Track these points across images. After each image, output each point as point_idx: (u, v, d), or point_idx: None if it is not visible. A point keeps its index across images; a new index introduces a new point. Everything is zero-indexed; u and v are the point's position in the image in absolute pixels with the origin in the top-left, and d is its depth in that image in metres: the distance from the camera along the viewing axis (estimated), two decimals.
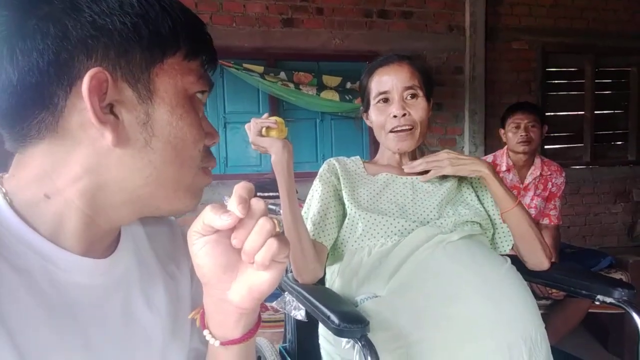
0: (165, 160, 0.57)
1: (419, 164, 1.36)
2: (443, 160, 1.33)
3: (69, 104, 0.52)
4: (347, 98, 4.07)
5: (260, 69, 4.00)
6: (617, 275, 2.45)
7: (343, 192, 1.33)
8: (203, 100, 0.63)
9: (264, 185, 2.85)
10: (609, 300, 1.20)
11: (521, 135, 2.50)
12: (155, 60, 0.55)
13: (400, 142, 1.35)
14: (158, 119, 0.56)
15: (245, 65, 3.97)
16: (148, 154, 0.56)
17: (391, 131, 1.35)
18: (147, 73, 0.55)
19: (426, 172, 1.36)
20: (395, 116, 1.33)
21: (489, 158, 2.66)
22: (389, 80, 1.34)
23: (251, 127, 1.22)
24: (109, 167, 0.55)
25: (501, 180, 1.33)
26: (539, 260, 1.33)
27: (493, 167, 1.35)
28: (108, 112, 0.53)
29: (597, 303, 1.24)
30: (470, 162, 1.33)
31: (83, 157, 0.54)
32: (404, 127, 1.33)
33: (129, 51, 0.53)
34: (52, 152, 0.54)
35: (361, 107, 1.48)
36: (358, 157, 1.50)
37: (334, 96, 4.13)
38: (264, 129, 1.21)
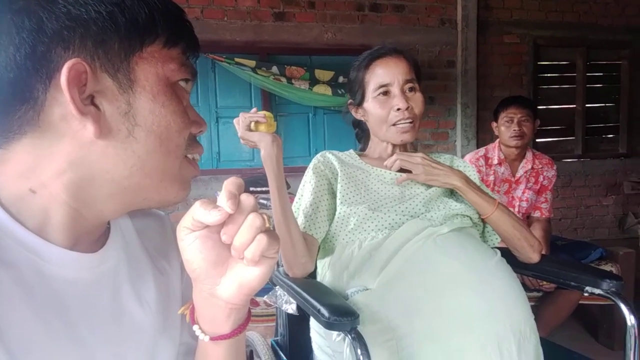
0: (149, 150, 0.57)
1: (393, 164, 1.35)
2: (417, 166, 1.32)
3: (49, 97, 0.52)
4: (340, 92, 4.07)
5: (252, 63, 3.99)
6: (608, 267, 2.47)
7: (338, 185, 1.33)
8: (187, 89, 0.62)
9: (257, 180, 2.84)
10: (597, 291, 1.21)
11: (514, 130, 2.50)
12: (134, 49, 0.55)
13: (403, 133, 1.35)
14: (140, 108, 0.56)
15: (237, 59, 3.96)
16: (131, 144, 0.56)
17: (394, 124, 1.35)
18: (126, 62, 0.55)
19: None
20: (399, 109, 1.32)
21: (481, 151, 2.67)
22: (389, 73, 1.34)
23: (240, 122, 1.22)
24: (93, 159, 0.55)
25: (477, 188, 1.33)
26: (527, 256, 1.34)
27: (466, 176, 1.34)
28: (89, 103, 0.53)
29: (586, 294, 1.25)
30: (443, 173, 1.32)
31: (66, 150, 0.54)
32: (407, 120, 1.34)
33: (106, 41, 0.53)
34: (35, 147, 0.53)
35: (350, 101, 1.47)
36: (351, 150, 1.50)
37: (327, 90, 4.13)
38: (252, 124, 1.21)
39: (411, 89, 1.35)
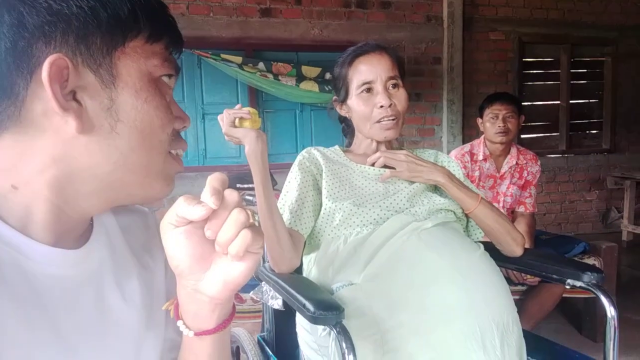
0: (132, 146, 0.57)
1: (377, 159, 1.36)
2: (401, 163, 1.33)
3: (30, 92, 0.52)
4: (327, 89, 4.07)
5: (238, 59, 3.97)
6: (591, 261, 2.50)
7: (323, 181, 1.34)
8: (170, 84, 0.62)
9: (243, 177, 2.84)
10: (578, 284, 1.23)
11: (499, 126, 2.52)
12: (116, 44, 0.55)
13: (386, 130, 1.35)
14: (122, 103, 0.55)
15: (223, 55, 3.94)
16: (114, 139, 0.56)
17: (377, 121, 1.36)
18: (108, 57, 0.54)
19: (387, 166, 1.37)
20: (382, 106, 1.33)
21: (466, 147, 2.69)
22: (371, 70, 1.34)
23: (224, 118, 1.22)
24: (75, 155, 0.54)
25: (460, 184, 1.34)
26: (510, 249, 1.36)
27: (449, 172, 1.36)
28: (71, 99, 0.53)
29: (568, 287, 1.27)
30: (427, 170, 1.33)
31: (48, 146, 0.53)
32: (390, 118, 1.34)
33: (88, 36, 0.53)
34: (17, 143, 0.53)
35: (335, 98, 1.47)
36: (337, 146, 1.50)
37: (314, 87, 4.13)
38: (237, 120, 1.21)
39: (394, 86, 1.36)
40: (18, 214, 0.54)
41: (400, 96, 1.36)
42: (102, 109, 0.55)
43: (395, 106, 1.34)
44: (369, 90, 1.35)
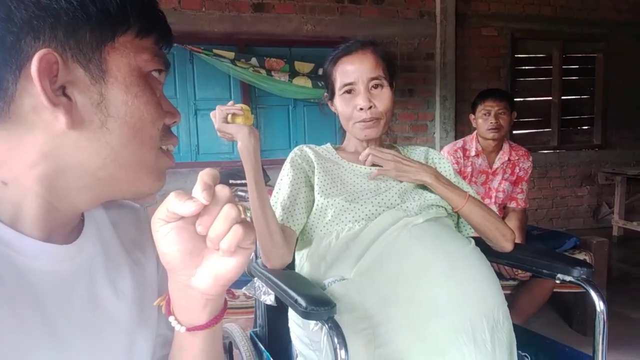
0: (122, 141, 0.57)
1: (366, 157, 1.36)
2: (388, 162, 1.34)
3: (19, 88, 0.51)
4: (320, 84, 4.06)
5: (231, 54, 3.96)
6: (581, 256, 2.52)
7: (315, 178, 1.34)
8: (160, 79, 0.62)
9: (236, 173, 2.83)
10: (568, 278, 1.24)
11: (491, 123, 2.53)
12: (105, 39, 0.55)
13: (366, 129, 1.36)
14: (112, 98, 0.55)
15: (215, 51, 3.92)
16: (104, 135, 0.55)
17: (358, 121, 1.36)
18: (98, 52, 0.54)
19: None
20: (361, 108, 1.33)
21: (459, 143, 2.70)
22: (353, 71, 1.34)
23: (216, 115, 1.22)
24: (66, 150, 0.54)
25: (447, 183, 1.35)
26: (500, 245, 1.37)
27: (436, 172, 1.37)
28: (60, 94, 0.52)
29: (558, 282, 1.28)
30: (414, 170, 1.34)
31: (38, 142, 0.53)
32: (369, 120, 1.34)
33: (77, 31, 0.53)
34: (6, 138, 0.53)
35: (325, 94, 1.48)
36: (329, 144, 1.51)
37: (307, 82, 4.12)
38: (229, 116, 1.21)
39: (376, 86, 1.35)
40: (8, 210, 0.54)
41: (382, 96, 1.35)
42: (92, 104, 0.54)
43: (375, 108, 1.34)
44: (350, 91, 1.36)
